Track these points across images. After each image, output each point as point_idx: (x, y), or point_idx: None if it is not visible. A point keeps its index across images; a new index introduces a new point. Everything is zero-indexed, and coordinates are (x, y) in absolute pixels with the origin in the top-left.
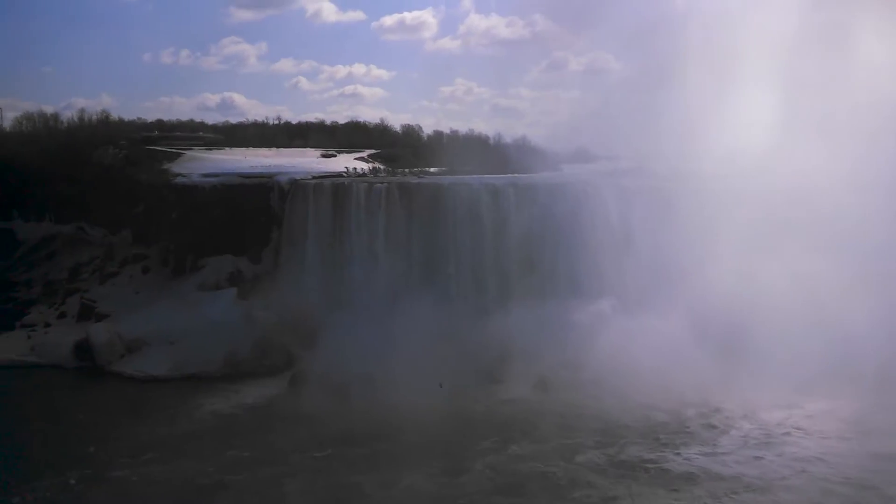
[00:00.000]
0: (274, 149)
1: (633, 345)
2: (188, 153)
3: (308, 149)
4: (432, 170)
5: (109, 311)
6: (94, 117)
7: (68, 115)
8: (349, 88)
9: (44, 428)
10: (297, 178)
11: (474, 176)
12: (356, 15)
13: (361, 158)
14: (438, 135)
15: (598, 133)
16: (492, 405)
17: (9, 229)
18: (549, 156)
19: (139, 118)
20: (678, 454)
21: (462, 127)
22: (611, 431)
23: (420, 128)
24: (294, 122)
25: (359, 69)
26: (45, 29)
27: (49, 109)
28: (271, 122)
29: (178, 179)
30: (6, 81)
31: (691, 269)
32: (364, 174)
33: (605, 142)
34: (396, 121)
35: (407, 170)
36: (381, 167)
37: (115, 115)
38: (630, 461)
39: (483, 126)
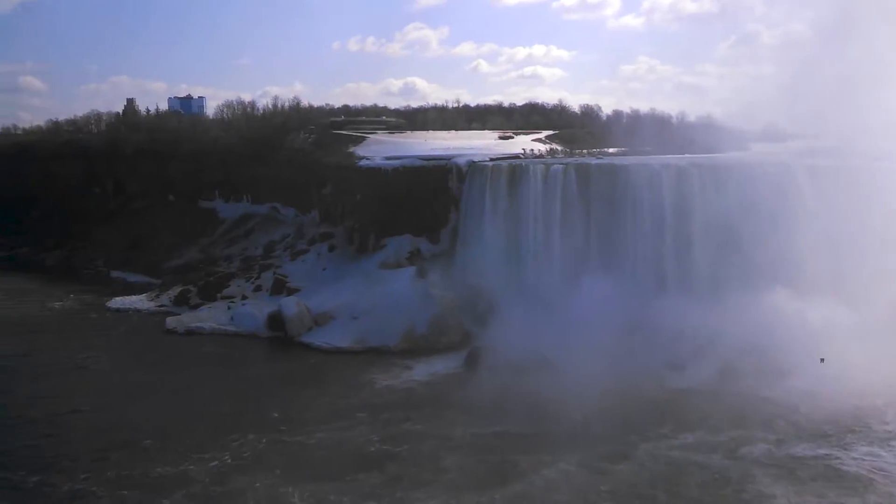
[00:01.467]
0: (453, 131)
1: (823, 334)
2: (372, 137)
3: (486, 131)
4: (611, 150)
5: (299, 286)
6: (287, 104)
7: (263, 102)
8: (528, 70)
9: (238, 391)
10: (475, 160)
11: (655, 156)
12: None
13: (539, 140)
14: (618, 115)
15: (791, 109)
16: (668, 392)
17: (212, 209)
18: (736, 135)
19: (327, 104)
20: (852, 452)
21: (643, 106)
22: (787, 425)
23: (599, 108)
24: (472, 105)
25: (538, 50)
26: (242, 24)
27: (247, 98)
28: (450, 106)
29: (363, 162)
30: (209, 73)
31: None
32: (541, 155)
33: (799, 119)
34: (575, 101)
35: (585, 151)
36: (559, 148)
37: (305, 102)
38: (799, 457)
39: (665, 105)
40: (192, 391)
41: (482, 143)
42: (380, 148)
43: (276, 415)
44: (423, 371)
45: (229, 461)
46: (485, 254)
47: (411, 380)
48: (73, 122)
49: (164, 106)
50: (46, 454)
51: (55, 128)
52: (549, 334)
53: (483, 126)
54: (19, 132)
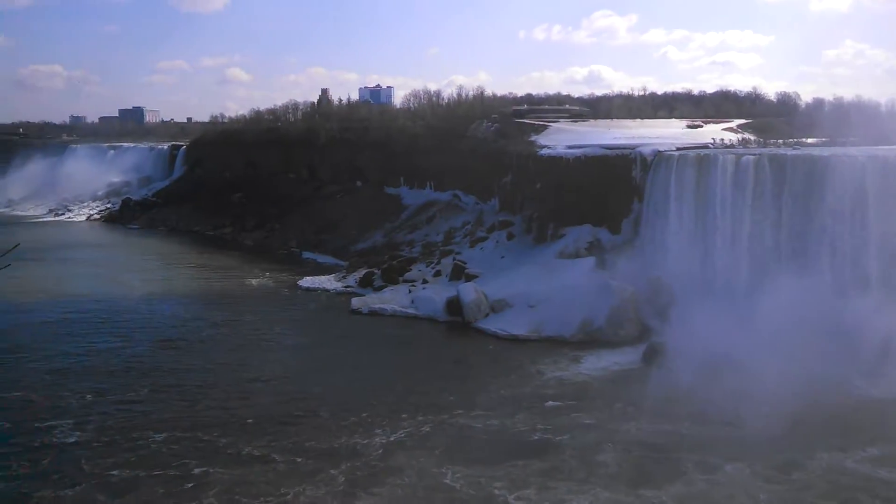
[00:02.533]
0: (638, 120)
1: None
2: (554, 125)
3: (673, 119)
4: (809, 141)
5: (477, 272)
6: (471, 93)
7: (448, 91)
8: (721, 56)
9: (413, 372)
10: (661, 149)
11: (860, 147)
12: None
13: (729, 129)
14: (819, 102)
15: None
16: (863, 401)
17: (397, 195)
18: None
19: (510, 93)
20: None
21: (847, 93)
22: None
23: (798, 95)
24: (660, 92)
25: (733, 36)
26: (434, 14)
27: (433, 87)
28: (636, 94)
29: (544, 151)
30: (399, 63)
31: None
32: (731, 145)
33: None
34: (771, 89)
35: (780, 141)
36: (751, 138)
37: (488, 91)
38: None
39: (873, 92)
40: (371, 369)
41: (669, 132)
42: (561, 136)
43: (447, 397)
44: (597, 364)
45: (395, 438)
46: (668, 246)
47: (584, 372)
48: (272, 112)
49: (355, 96)
50: (236, 419)
51: (257, 117)
52: (734, 332)
53: (670, 115)
54: (225, 121)
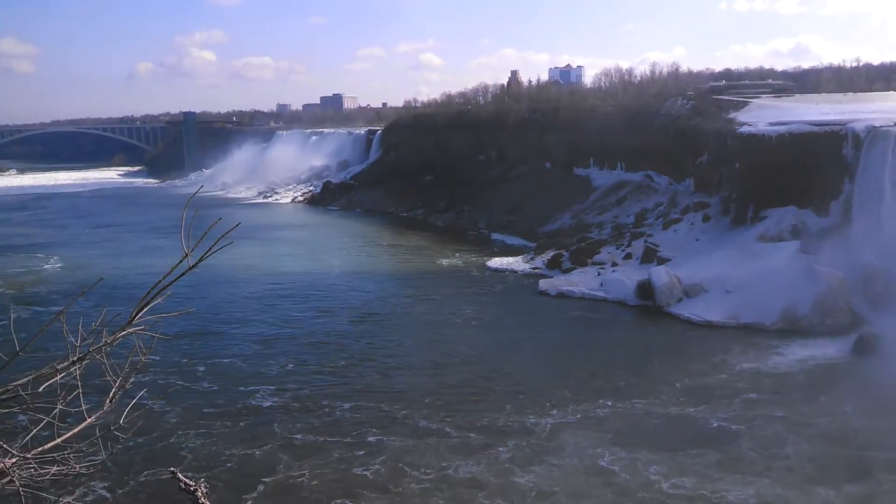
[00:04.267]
0: (850, 93)
1: None
2: (755, 101)
3: (891, 92)
4: None
5: (670, 255)
6: (665, 70)
7: (641, 69)
8: None
9: (599, 355)
10: (876, 124)
11: None
12: None
13: None
14: None
15: None
16: None
17: (586, 176)
18: None
19: (707, 68)
20: None
21: None
22: None
23: None
24: (876, 63)
25: None
26: None
27: (624, 65)
28: (849, 65)
29: (744, 129)
30: (590, 42)
31: None
32: None
33: None
34: None
35: None
36: None
37: (684, 67)
38: None
39: None
40: (556, 351)
41: (887, 106)
42: (763, 113)
43: (630, 383)
44: (797, 354)
45: (568, 420)
46: (883, 229)
47: (784, 363)
48: (463, 95)
49: (545, 77)
50: (420, 393)
51: (448, 100)
52: None
53: (887, 87)
54: (418, 105)
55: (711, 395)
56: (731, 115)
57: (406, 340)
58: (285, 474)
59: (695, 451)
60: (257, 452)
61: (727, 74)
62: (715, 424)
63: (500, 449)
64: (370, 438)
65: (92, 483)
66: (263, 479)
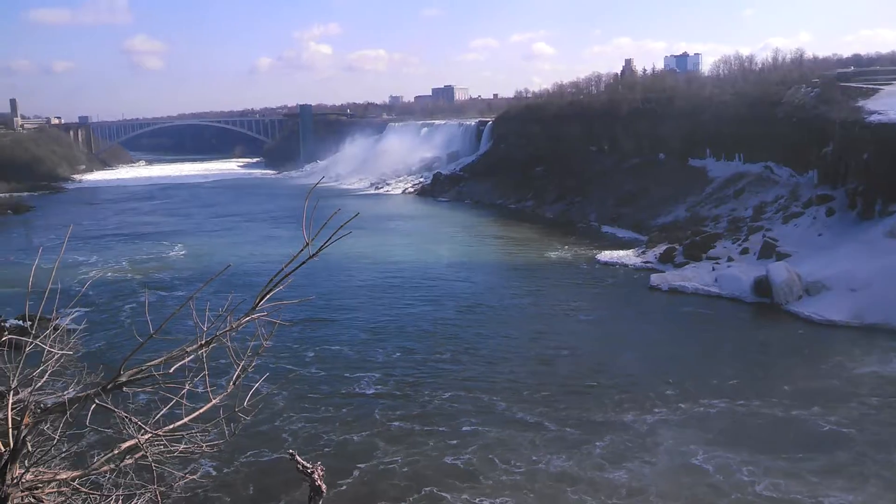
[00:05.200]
0: None
1: None
2: (887, 88)
3: None
4: None
5: (790, 251)
6: (788, 57)
7: (763, 56)
8: None
9: (709, 353)
10: None
11: None
12: None
13: None
14: None
15: None
16: None
17: (702, 167)
18: None
19: (834, 54)
20: None
21: None
22: None
23: None
24: None
25: None
26: None
27: (745, 52)
28: None
29: (873, 117)
30: (709, 29)
31: None
32: None
33: None
34: None
35: None
36: None
37: (808, 54)
38: None
39: None
40: (666, 348)
41: None
42: (895, 101)
43: (741, 383)
44: None
45: (670, 418)
46: None
47: None
48: (575, 85)
49: (660, 65)
50: (522, 385)
51: (560, 90)
52: None
53: None
54: (529, 96)
55: (826, 397)
56: (860, 103)
57: (512, 332)
58: (380, 460)
59: (799, 454)
60: (355, 437)
61: (856, 60)
62: (826, 428)
63: (596, 444)
64: (465, 428)
65: (201, 460)
66: (359, 465)
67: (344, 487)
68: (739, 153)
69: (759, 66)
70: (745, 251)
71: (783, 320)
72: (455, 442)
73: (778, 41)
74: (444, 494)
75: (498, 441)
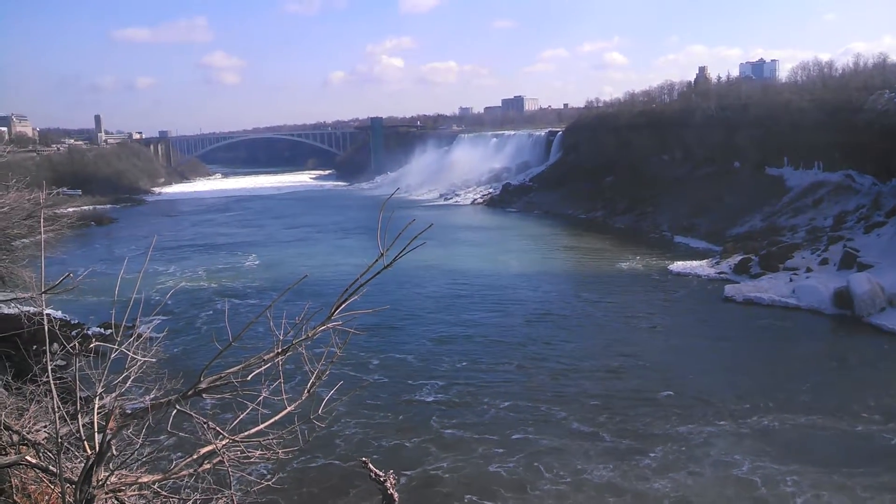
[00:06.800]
0: None
1: None
2: None
3: None
4: None
5: (872, 261)
6: (870, 62)
7: (843, 61)
8: None
9: (783, 367)
10: None
11: None
12: None
13: None
14: None
15: None
16: None
17: (779, 176)
18: None
19: None
20: None
21: None
22: None
23: None
24: None
25: None
26: None
27: (824, 58)
28: None
29: None
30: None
31: None
32: None
33: None
34: None
35: None
36: None
37: (892, 58)
38: None
39: None
40: (739, 360)
41: None
42: None
43: (815, 398)
44: None
45: (726, 430)
46: None
47: None
48: (647, 93)
49: (735, 72)
50: (585, 395)
51: (631, 99)
52: None
53: None
54: (600, 105)
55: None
56: None
57: (581, 343)
58: (428, 468)
59: (858, 469)
60: (407, 444)
61: None
62: (884, 444)
63: (649, 455)
64: (516, 436)
65: (259, 464)
66: (406, 472)
67: (380, 497)
68: (818, 161)
69: (840, 71)
70: (824, 262)
71: (864, 333)
72: (501, 450)
73: (860, 46)
74: (485, 502)
75: (548, 450)
